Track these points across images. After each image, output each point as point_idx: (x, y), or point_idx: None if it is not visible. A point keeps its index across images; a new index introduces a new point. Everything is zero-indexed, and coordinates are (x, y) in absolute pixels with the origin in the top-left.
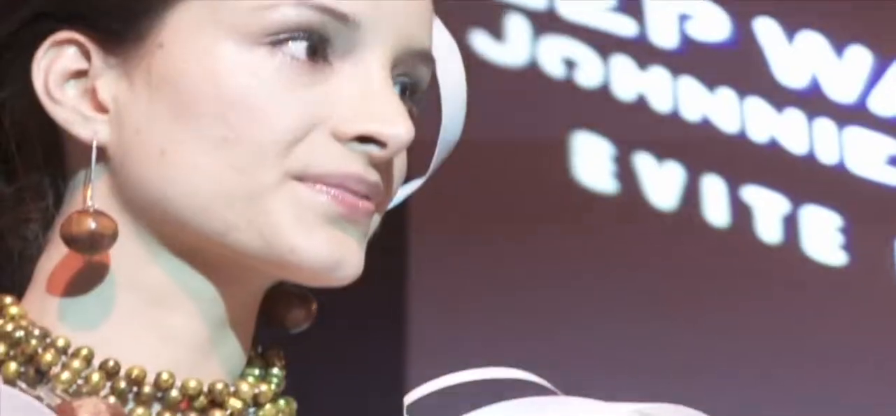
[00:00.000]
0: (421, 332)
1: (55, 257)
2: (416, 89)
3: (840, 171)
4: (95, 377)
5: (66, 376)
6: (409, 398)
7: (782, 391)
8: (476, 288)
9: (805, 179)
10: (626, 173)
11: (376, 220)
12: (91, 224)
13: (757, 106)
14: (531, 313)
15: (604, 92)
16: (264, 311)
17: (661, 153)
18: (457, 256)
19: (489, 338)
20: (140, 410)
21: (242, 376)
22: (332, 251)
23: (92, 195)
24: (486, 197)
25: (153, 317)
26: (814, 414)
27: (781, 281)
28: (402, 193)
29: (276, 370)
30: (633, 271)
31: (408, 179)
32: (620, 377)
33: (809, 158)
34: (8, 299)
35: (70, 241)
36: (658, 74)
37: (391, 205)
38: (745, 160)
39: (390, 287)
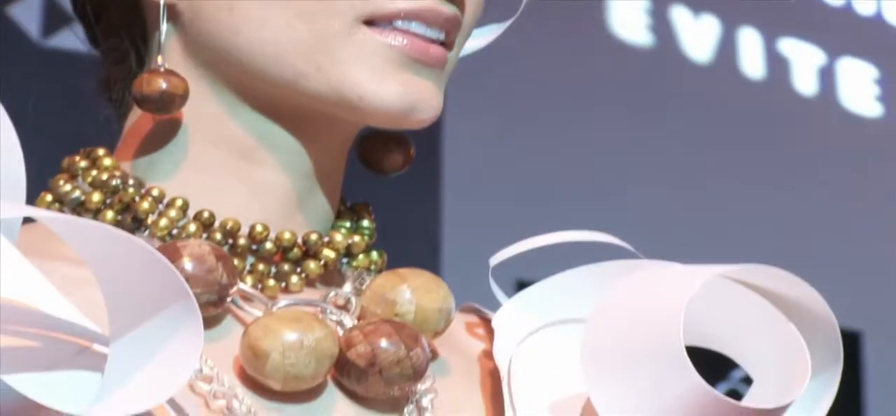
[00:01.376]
0: (457, 197)
1: (141, 116)
2: None
3: (877, 22)
4: (192, 227)
5: (163, 223)
6: (494, 260)
7: (820, 242)
8: (512, 150)
9: (842, 31)
10: (661, 26)
11: (454, 58)
12: (161, 84)
13: None
14: (566, 172)
15: None
16: (362, 157)
17: (697, 6)
18: (491, 116)
19: (523, 200)
20: (235, 261)
21: (334, 227)
22: (405, 95)
23: (163, 55)
24: (522, 53)
25: (242, 171)
26: (852, 261)
27: (817, 133)
28: (485, 37)
29: (366, 223)
30: (669, 125)
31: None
32: (654, 236)
33: (846, 10)
34: (101, 151)
35: (141, 101)
36: None
37: (472, 49)
38: (781, 12)
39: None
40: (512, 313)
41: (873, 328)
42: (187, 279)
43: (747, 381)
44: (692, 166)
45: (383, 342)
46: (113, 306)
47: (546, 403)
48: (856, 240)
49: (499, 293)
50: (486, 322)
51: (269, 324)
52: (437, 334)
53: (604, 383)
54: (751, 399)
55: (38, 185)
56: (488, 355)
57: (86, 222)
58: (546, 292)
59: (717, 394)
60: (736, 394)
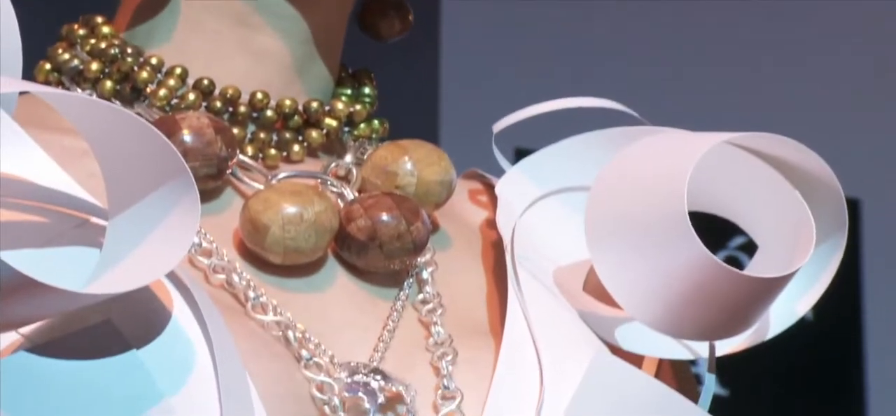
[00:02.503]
0: (455, 66)
1: None
2: None
3: None
4: (191, 95)
5: (162, 93)
6: (497, 126)
7: (819, 110)
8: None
9: None
10: None
11: None
12: None
13: None
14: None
15: None
16: (360, 22)
17: None
18: None
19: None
20: (235, 130)
21: (335, 95)
22: None
23: None
24: None
25: (240, 37)
26: (851, 129)
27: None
28: None
29: (367, 90)
30: None
31: None
32: (656, 105)
33: None
34: (99, 19)
35: None
36: None
37: None
38: None
39: (424, 11)
40: (515, 181)
41: (873, 196)
42: (186, 153)
43: (745, 248)
44: (693, 34)
45: (384, 216)
46: (110, 181)
47: (549, 272)
48: (855, 108)
49: (502, 160)
50: (490, 188)
51: (269, 197)
52: (438, 206)
53: (607, 252)
54: (755, 268)
55: (37, 55)
56: (491, 223)
57: (80, 97)
58: (550, 158)
59: (721, 264)
60: (735, 262)
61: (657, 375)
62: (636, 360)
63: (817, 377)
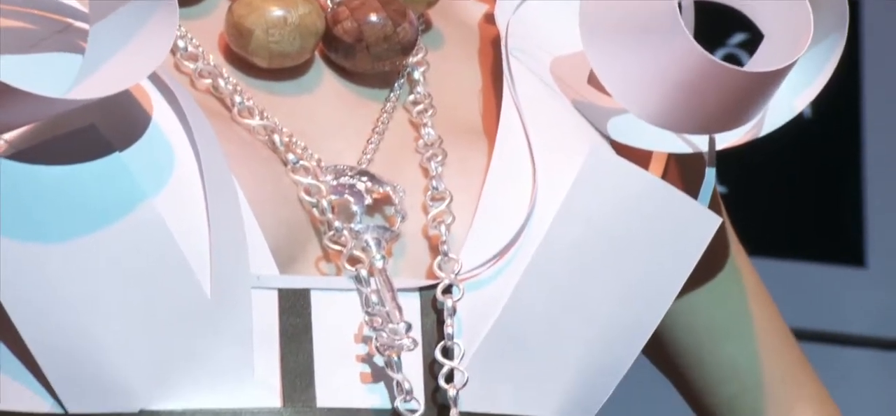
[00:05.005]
0: None
1: None
2: None
3: None
4: None
5: None
6: None
7: None
8: None
9: None
10: None
11: None
12: None
13: None
14: None
15: None
16: None
17: None
18: None
19: None
20: None
21: None
22: None
23: None
24: None
25: None
26: None
27: None
28: None
29: None
30: None
31: None
32: None
33: None
34: None
35: None
36: None
37: None
38: None
39: None
40: None
41: None
42: None
43: (745, 46)
44: None
45: (371, 17)
46: None
47: (547, 65)
48: None
49: None
50: None
51: (253, 1)
52: (430, 4)
53: (601, 46)
54: (752, 64)
55: None
56: (490, 19)
57: None
58: None
59: (712, 59)
60: (734, 59)
61: (665, 173)
62: (643, 157)
63: (816, 175)
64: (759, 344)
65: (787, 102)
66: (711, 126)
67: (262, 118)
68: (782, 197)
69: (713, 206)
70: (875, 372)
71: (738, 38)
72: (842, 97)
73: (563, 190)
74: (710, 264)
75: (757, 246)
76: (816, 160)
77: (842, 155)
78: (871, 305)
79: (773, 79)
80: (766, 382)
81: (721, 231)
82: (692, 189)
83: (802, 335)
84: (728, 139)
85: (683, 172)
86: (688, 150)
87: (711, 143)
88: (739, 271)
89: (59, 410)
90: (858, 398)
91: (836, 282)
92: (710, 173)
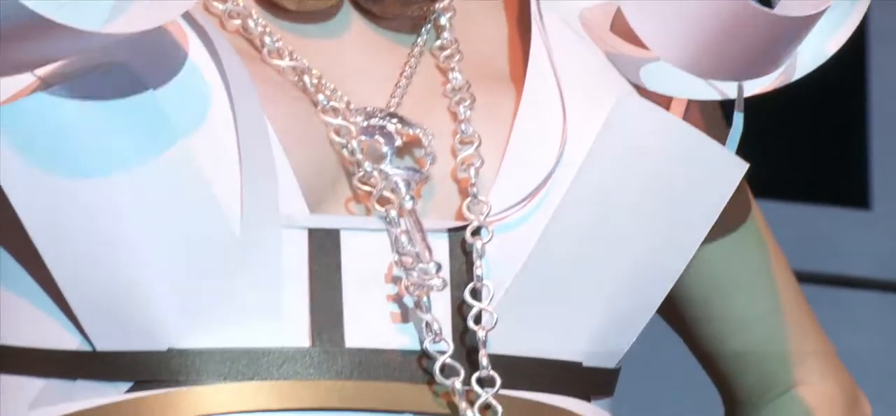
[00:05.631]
0: None
1: None
2: None
3: None
4: None
5: None
6: None
7: None
8: None
9: None
10: None
11: None
12: None
13: None
14: None
15: None
16: None
17: None
18: None
19: None
20: None
21: None
22: None
23: None
24: None
25: None
26: None
27: None
28: None
29: None
30: None
31: None
32: None
33: None
34: None
35: None
36: None
37: None
38: None
39: None
40: None
41: None
42: None
43: None
44: None
45: None
46: None
47: (576, 13)
48: None
49: None
50: None
51: None
52: None
53: None
54: (783, 8)
55: None
56: None
57: None
58: None
59: (749, 2)
60: (766, 2)
61: (685, 117)
62: (664, 103)
63: (820, 117)
64: (769, 298)
65: (819, 47)
66: (743, 72)
67: (291, 59)
68: (787, 139)
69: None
70: (879, 314)
71: None
72: (847, 39)
73: (592, 134)
74: (725, 215)
75: (761, 188)
76: (821, 103)
77: (847, 97)
78: (875, 247)
79: (807, 23)
80: (774, 337)
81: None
82: (713, 130)
83: (806, 277)
84: (758, 85)
85: (703, 111)
86: (717, 96)
87: (740, 88)
88: (752, 224)
89: (87, 347)
90: (861, 339)
91: (841, 224)
92: (738, 119)
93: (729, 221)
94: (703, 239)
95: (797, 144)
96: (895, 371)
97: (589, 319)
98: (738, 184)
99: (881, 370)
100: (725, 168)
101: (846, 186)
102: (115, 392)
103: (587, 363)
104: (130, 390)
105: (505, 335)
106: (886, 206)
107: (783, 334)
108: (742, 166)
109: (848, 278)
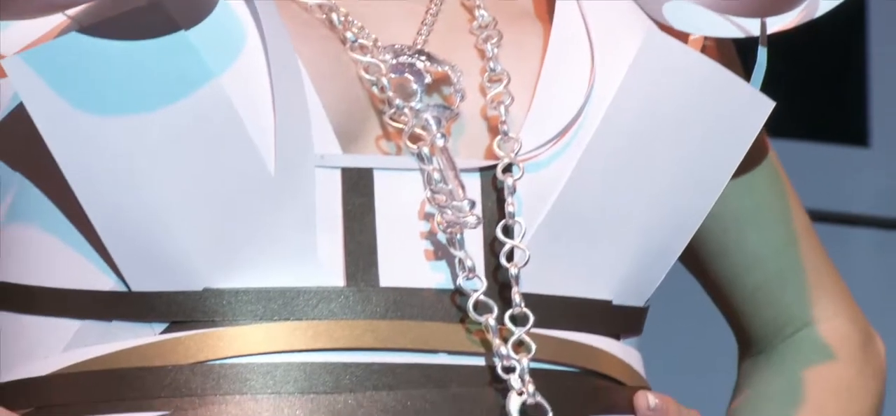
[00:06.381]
0: None
1: None
2: None
3: None
4: None
5: None
6: None
7: None
8: None
9: None
10: None
11: None
12: None
13: None
14: None
15: None
16: None
17: None
18: None
19: None
20: None
21: None
22: None
23: None
24: None
25: None
26: None
27: None
28: None
29: None
30: None
31: None
32: None
33: None
34: None
35: None
36: None
37: None
38: None
39: None
40: None
41: None
42: None
43: None
44: None
45: None
46: None
47: None
48: None
49: None
50: None
51: None
52: None
53: None
54: None
55: None
56: None
57: None
58: None
59: None
60: None
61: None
62: (681, 40)
63: (820, 55)
64: (785, 233)
65: None
66: (768, 8)
67: None
68: (786, 77)
69: None
70: (877, 251)
71: None
72: None
73: (620, 73)
74: None
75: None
76: (820, 41)
77: (846, 35)
78: (874, 185)
79: None
80: (789, 272)
81: None
82: (730, 66)
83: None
84: (780, 22)
85: (720, 48)
86: (739, 34)
87: (763, 25)
88: (768, 161)
89: (122, 287)
90: (860, 276)
91: (840, 162)
92: (762, 54)
93: (745, 156)
94: (730, 177)
95: (796, 81)
96: (893, 306)
97: (619, 257)
98: (764, 121)
99: (880, 306)
100: (752, 106)
101: (845, 124)
102: (150, 333)
103: (617, 301)
104: (165, 330)
105: (535, 274)
106: (885, 144)
107: (798, 270)
108: (769, 104)
109: (847, 215)
